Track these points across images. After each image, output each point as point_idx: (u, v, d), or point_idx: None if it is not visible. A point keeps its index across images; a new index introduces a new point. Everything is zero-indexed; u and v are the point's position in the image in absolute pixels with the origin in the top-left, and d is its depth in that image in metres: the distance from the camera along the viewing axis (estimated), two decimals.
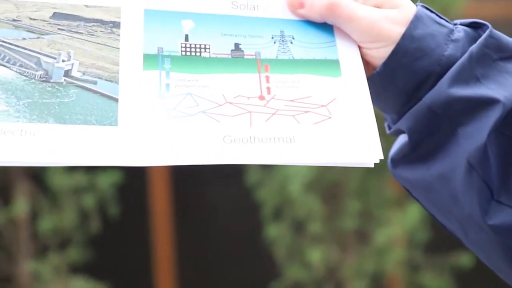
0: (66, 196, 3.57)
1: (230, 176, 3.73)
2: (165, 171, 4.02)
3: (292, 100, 0.70)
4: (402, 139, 0.75)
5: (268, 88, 0.70)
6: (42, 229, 3.52)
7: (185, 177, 4.05)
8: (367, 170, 3.14)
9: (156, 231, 4.04)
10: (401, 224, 3.17)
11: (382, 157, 0.69)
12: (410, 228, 3.18)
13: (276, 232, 3.32)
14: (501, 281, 0.75)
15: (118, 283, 3.67)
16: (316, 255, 3.24)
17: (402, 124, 0.72)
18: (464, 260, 3.27)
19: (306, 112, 0.70)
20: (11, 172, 3.52)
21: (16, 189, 3.56)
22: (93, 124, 0.65)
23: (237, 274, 4.00)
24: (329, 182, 3.21)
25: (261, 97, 0.70)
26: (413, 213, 3.20)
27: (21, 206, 3.49)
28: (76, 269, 3.56)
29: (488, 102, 0.69)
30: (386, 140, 0.79)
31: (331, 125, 0.69)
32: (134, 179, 3.79)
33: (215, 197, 4.10)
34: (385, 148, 0.72)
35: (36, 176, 3.55)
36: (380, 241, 3.20)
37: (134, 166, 0.65)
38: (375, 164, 0.70)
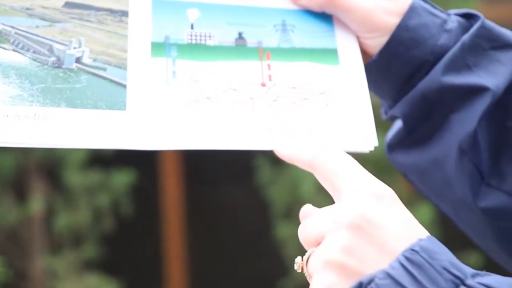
0: (80, 194, 3.59)
1: (242, 175, 3.76)
2: (177, 170, 4.05)
3: (293, 87, 0.73)
4: (398, 124, 0.78)
5: (270, 76, 0.73)
6: (57, 226, 3.55)
7: (197, 176, 4.08)
8: (378, 169, 3.15)
9: (167, 229, 4.07)
10: None
11: (377, 145, 0.70)
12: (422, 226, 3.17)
13: (286, 231, 3.34)
14: None
15: (131, 280, 3.70)
16: None
17: (397, 110, 0.75)
18: (473, 259, 3.27)
19: (305, 99, 0.72)
20: (26, 169, 3.56)
21: (31, 186, 3.59)
22: (103, 108, 0.68)
23: (247, 271, 4.02)
24: None
25: (263, 84, 0.73)
26: (423, 213, 3.20)
27: (36, 203, 3.52)
28: (90, 266, 3.59)
29: (479, 90, 0.72)
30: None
31: (328, 113, 0.72)
32: (146, 179, 3.82)
33: (226, 196, 4.12)
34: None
35: (52, 174, 3.58)
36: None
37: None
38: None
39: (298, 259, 0.60)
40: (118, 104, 0.68)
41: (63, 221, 3.56)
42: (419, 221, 0.56)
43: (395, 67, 0.74)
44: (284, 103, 0.72)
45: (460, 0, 3.06)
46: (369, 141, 0.71)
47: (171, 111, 0.69)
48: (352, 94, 0.73)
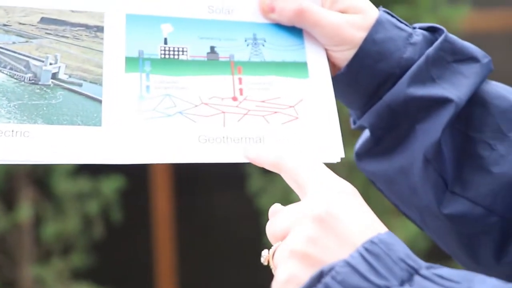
0: (69, 201, 3.60)
1: (233, 183, 3.77)
2: (168, 177, 4.07)
3: (262, 101, 0.75)
4: (366, 134, 0.80)
5: (241, 90, 0.75)
6: (45, 234, 3.55)
7: (188, 183, 4.09)
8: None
9: (158, 236, 4.08)
10: (402, 231, 3.19)
11: (344, 156, 0.74)
12: (411, 235, 3.19)
13: None
14: None
15: None
16: None
17: (365, 120, 0.78)
18: (462, 267, 3.27)
19: (275, 112, 0.75)
20: (15, 177, 3.56)
21: (20, 194, 3.59)
22: (79, 124, 0.70)
23: (238, 280, 4.03)
24: None
25: (234, 98, 0.75)
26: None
27: (25, 211, 3.53)
28: (79, 274, 3.59)
29: (443, 101, 0.74)
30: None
31: (297, 125, 0.74)
32: (137, 185, 3.83)
33: (217, 203, 4.14)
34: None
35: (40, 181, 3.58)
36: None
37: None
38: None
39: (264, 252, 0.63)
40: (94, 120, 0.70)
41: (52, 229, 3.56)
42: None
43: (363, 79, 0.76)
44: (255, 116, 0.74)
45: (450, 6, 3.08)
46: (336, 153, 0.74)
47: (145, 126, 0.71)
48: (321, 108, 0.75)
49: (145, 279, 4.07)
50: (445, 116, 0.74)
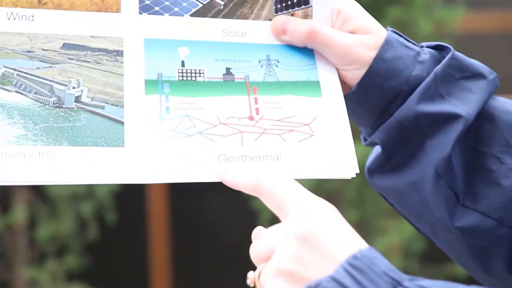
0: (64, 203, 3.61)
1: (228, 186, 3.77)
2: None
3: (278, 120, 0.78)
4: (377, 150, 0.83)
5: (257, 109, 0.78)
6: (40, 236, 3.56)
7: (182, 185, 4.10)
8: (364, 180, 3.15)
9: (152, 238, 4.09)
10: (398, 233, 3.20)
11: (358, 171, 0.76)
12: (406, 238, 3.21)
13: None
14: None
15: None
16: None
17: (376, 137, 0.80)
18: (459, 270, 3.30)
19: (291, 130, 0.77)
20: None
21: (15, 196, 3.60)
22: (102, 145, 0.73)
23: (233, 282, 4.05)
24: (327, 192, 3.22)
25: (251, 118, 0.78)
26: (409, 223, 3.21)
27: (19, 213, 3.54)
28: (73, 276, 3.60)
29: (452, 117, 0.77)
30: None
31: (313, 143, 0.77)
32: (131, 187, 3.85)
33: (212, 205, 4.15)
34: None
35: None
36: (377, 251, 3.19)
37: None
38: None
39: (250, 274, 0.65)
40: (117, 141, 0.73)
41: (46, 231, 3.57)
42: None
43: (373, 97, 0.79)
44: (271, 135, 0.77)
45: (445, 8, 3.10)
46: (351, 168, 0.76)
47: (166, 146, 0.74)
48: (335, 125, 0.78)
49: (139, 281, 4.09)
50: (454, 131, 0.76)
